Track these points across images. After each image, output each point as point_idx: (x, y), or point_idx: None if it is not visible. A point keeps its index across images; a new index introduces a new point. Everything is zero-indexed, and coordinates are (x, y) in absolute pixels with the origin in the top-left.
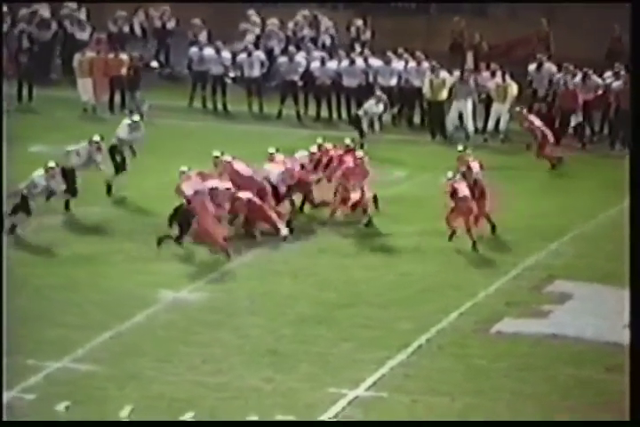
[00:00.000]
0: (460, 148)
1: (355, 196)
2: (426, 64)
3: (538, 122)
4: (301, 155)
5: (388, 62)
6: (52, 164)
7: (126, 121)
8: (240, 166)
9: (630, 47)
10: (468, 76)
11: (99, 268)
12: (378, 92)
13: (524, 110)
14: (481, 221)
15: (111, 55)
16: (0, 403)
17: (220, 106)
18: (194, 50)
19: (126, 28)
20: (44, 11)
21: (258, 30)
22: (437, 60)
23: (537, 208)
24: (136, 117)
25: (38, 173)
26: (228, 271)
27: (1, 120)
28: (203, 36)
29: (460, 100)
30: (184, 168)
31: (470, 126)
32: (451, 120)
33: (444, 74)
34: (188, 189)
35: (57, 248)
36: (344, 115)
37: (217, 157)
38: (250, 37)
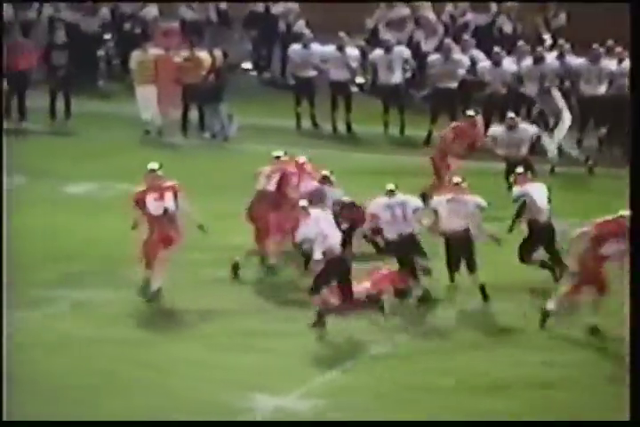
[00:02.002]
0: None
1: None
2: None
3: None
4: None
5: (594, 60)
6: None
7: None
8: None
9: (630, 47)
10: None
11: (155, 360)
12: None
13: None
14: None
15: (185, 52)
16: (0, 400)
17: (341, 126)
18: (295, 47)
19: (210, 14)
20: None
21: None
22: None
23: None
24: None
25: None
26: (356, 365)
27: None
28: (300, 27)
29: None
30: None
31: None
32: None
33: None
34: None
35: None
36: None
37: None
38: (410, 27)
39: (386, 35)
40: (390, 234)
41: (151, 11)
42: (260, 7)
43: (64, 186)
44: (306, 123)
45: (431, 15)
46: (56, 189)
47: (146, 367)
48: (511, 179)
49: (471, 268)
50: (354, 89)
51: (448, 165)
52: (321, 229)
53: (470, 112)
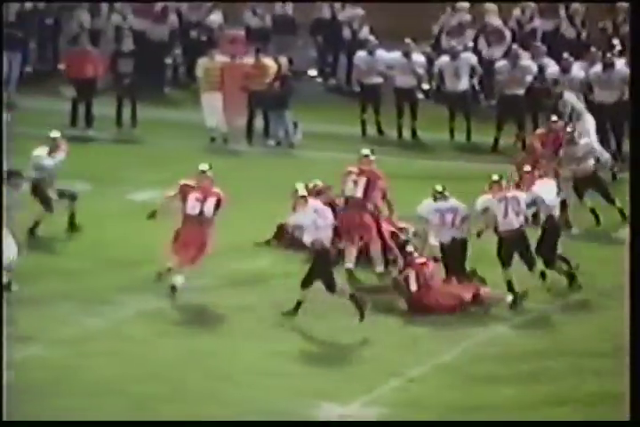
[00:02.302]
0: None
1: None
2: None
3: None
4: None
5: None
6: None
7: None
8: None
9: (630, 47)
10: None
11: (219, 368)
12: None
13: None
14: None
15: (251, 60)
16: (0, 399)
17: (406, 133)
18: (360, 54)
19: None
20: None
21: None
22: None
23: None
24: None
25: None
26: (421, 373)
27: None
28: (365, 33)
29: None
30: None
31: None
32: None
33: None
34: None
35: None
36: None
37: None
38: (470, 33)
39: (445, 42)
40: (443, 237)
41: (216, 18)
42: (327, 14)
43: (129, 193)
44: (371, 130)
45: (497, 21)
46: (121, 196)
47: (209, 375)
48: (515, 177)
49: (530, 263)
50: (419, 95)
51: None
52: (315, 219)
53: (554, 118)
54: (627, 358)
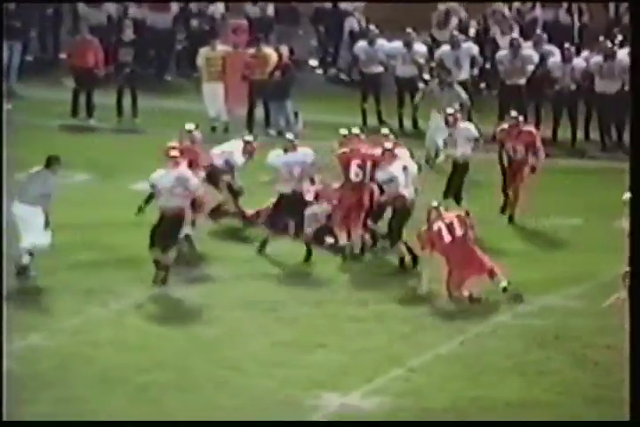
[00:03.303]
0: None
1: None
2: None
3: None
4: None
5: None
6: None
7: None
8: None
9: (630, 47)
10: None
11: (222, 358)
12: None
13: None
14: None
15: (252, 49)
16: (0, 400)
17: (407, 122)
18: (361, 44)
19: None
20: None
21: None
22: None
23: None
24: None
25: None
26: (422, 363)
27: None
28: (363, 23)
29: None
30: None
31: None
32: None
33: None
34: None
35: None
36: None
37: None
38: (454, 21)
39: (435, 32)
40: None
41: (218, 8)
42: (328, 3)
43: (131, 183)
44: (372, 119)
45: (506, 12)
46: (122, 186)
47: (212, 365)
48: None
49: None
50: (420, 85)
51: None
52: (172, 186)
53: (513, 113)
54: (626, 359)
